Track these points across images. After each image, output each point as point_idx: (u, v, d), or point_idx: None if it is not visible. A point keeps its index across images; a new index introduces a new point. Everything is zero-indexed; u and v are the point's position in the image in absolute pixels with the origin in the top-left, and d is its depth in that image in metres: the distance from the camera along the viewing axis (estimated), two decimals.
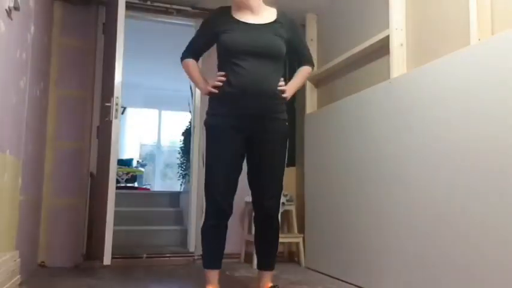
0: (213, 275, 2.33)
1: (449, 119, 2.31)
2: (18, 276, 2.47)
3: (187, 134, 5.57)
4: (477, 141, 2.12)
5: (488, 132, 2.07)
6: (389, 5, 2.93)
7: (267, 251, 2.46)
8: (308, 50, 2.57)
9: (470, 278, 2.12)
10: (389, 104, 2.83)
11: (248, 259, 3.84)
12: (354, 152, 3.18)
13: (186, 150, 5.65)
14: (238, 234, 4.06)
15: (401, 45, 2.88)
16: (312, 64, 2.56)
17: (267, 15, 2.38)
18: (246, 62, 2.24)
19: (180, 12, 4.07)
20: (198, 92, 4.18)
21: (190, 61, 2.46)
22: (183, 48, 2.51)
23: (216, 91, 2.30)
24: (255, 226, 2.48)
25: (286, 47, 2.35)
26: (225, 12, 2.38)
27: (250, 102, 2.25)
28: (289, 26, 2.39)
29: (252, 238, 3.80)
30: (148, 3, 3.97)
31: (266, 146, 2.33)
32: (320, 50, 4.07)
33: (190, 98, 4.54)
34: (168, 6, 4.02)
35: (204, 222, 2.35)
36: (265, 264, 2.45)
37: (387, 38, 2.94)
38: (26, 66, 2.72)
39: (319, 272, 3.55)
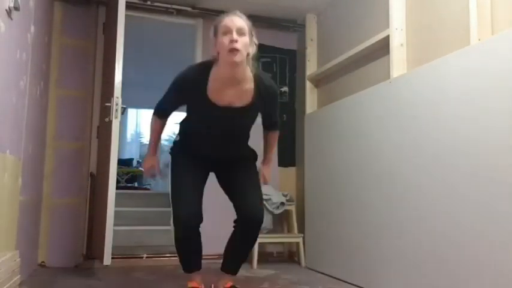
0: (195, 274, 2.45)
1: (449, 119, 2.31)
2: (18, 276, 2.46)
3: None
4: (477, 141, 2.12)
5: (489, 132, 2.07)
6: (389, 5, 2.93)
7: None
8: (277, 115, 2.41)
9: (470, 277, 2.12)
10: (389, 104, 2.83)
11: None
12: (354, 152, 3.18)
13: None
14: None
15: (402, 45, 2.88)
16: (278, 128, 2.47)
17: (246, 87, 2.15)
18: (212, 136, 2.25)
19: (180, 12, 4.08)
20: None
21: (160, 121, 2.38)
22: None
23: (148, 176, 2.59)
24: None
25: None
26: (201, 80, 2.13)
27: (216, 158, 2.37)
28: (267, 98, 2.22)
29: None
30: (149, 3, 3.97)
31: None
32: (320, 50, 4.07)
33: None
34: (168, 6, 4.02)
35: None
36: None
37: (387, 38, 2.94)
38: (26, 66, 2.71)
39: (319, 272, 3.56)
